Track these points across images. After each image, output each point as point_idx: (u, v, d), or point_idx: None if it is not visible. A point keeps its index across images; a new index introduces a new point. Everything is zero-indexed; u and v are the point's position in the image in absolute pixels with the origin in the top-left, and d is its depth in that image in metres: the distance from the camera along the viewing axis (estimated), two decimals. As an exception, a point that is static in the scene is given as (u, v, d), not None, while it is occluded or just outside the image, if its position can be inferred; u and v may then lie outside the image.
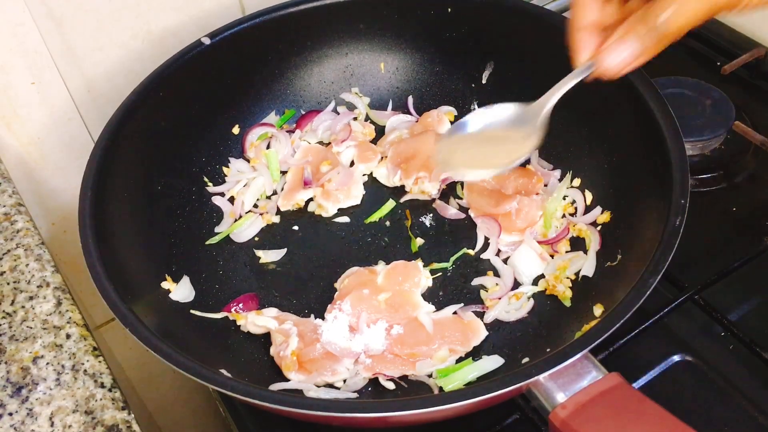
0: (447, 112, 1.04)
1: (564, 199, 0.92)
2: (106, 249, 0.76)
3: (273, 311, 0.85)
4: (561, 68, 0.95)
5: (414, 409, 0.61)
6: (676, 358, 0.82)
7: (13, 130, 0.96)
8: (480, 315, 0.84)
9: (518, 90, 1.00)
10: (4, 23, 0.88)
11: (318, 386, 0.78)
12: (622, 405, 0.62)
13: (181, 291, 0.85)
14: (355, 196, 0.98)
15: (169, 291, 0.84)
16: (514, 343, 0.82)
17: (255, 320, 0.83)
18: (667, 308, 0.81)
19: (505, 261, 0.90)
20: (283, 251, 0.93)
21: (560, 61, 0.95)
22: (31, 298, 0.76)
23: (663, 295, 0.83)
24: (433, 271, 0.89)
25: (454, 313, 0.85)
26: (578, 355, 0.63)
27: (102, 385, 0.69)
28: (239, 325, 0.84)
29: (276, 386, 0.77)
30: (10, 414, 0.67)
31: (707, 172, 0.99)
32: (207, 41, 0.95)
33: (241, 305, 0.86)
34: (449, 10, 1.01)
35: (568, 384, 0.63)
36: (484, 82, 1.03)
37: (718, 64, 1.11)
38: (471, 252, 0.91)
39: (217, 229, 0.95)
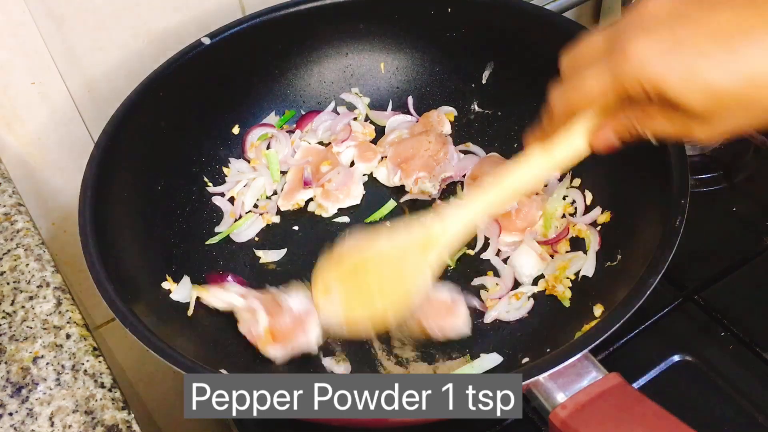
0: (447, 112, 1.04)
1: (564, 199, 0.92)
2: (106, 249, 0.75)
3: (238, 288, 0.85)
4: (539, 64, 0.96)
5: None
6: (675, 358, 0.82)
7: (13, 130, 0.96)
8: (480, 315, 0.84)
9: (518, 90, 1.00)
10: (4, 23, 0.88)
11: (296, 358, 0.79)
12: (622, 405, 0.62)
13: (182, 291, 0.85)
14: (355, 196, 0.98)
15: (169, 291, 0.84)
16: (515, 343, 0.82)
17: (220, 295, 0.82)
18: (667, 308, 0.81)
19: (505, 261, 0.90)
20: (283, 251, 0.93)
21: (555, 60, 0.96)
22: (31, 298, 0.76)
23: (663, 295, 0.83)
24: None
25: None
26: (578, 355, 0.63)
27: (102, 385, 0.69)
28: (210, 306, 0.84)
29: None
30: (10, 414, 0.67)
31: (707, 172, 0.99)
32: (207, 41, 0.95)
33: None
34: (449, 10, 1.01)
35: (568, 384, 0.63)
36: (484, 82, 1.03)
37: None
38: (471, 252, 0.91)
39: (217, 229, 0.95)
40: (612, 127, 0.62)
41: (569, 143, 0.64)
